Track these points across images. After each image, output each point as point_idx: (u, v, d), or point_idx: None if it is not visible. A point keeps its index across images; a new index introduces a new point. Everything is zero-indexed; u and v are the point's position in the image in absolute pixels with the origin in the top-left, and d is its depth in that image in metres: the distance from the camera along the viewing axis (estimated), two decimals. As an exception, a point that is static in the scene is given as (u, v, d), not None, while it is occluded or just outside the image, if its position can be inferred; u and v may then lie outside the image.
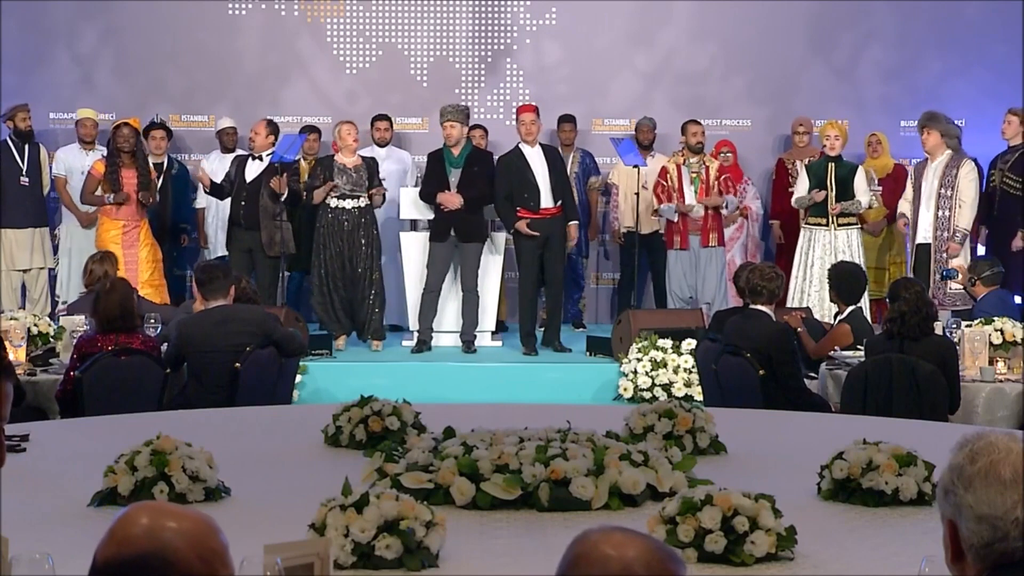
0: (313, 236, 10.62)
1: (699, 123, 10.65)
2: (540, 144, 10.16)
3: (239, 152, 10.93)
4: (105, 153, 10.39)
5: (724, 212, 10.47)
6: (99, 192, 10.15)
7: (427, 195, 10.03)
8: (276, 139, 10.16)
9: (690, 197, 10.36)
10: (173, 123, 11.56)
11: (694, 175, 10.39)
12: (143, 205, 10.18)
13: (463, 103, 11.17)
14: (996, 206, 10.18)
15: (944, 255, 9.82)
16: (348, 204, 10.01)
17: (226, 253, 10.29)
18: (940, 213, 9.86)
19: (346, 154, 10.11)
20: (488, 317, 10.32)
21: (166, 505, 2.01)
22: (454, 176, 9.95)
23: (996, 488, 1.94)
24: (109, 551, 1.89)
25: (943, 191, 9.87)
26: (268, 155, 10.07)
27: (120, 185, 10.07)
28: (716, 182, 10.39)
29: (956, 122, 10.79)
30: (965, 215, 9.82)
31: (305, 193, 10.10)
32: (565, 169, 10.45)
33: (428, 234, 10.15)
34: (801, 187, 10.33)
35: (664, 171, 10.48)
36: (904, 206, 10.23)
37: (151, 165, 10.69)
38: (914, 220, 10.10)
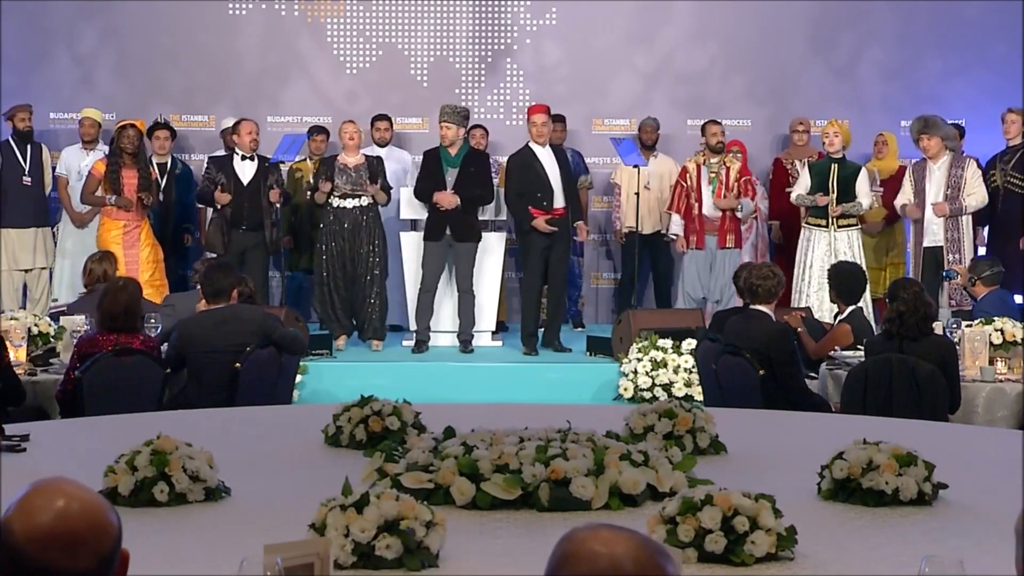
0: (314, 236, 10.68)
1: (718, 123, 10.70)
2: (551, 145, 10.18)
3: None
4: (106, 152, 10.39)
5: (739, 215, 10.50)
6: (99, 192, 10.15)
7: (423, 193, 10.03)
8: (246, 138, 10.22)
9: (707, 197, 10.42)
10: (173, 123, 11.56)
11: (712, 175, 10.44)
12: (144, 205, 10.19)
13: (463, 103, 11.18)
14: (1000, 205, 10.19)
15: (953, 257, 9.80)
16: (349, 203, 10.02)
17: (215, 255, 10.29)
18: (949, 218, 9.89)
19: (348, 153, 10.13)
20: (488, 317, 10.32)
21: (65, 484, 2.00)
22: (451, 176, 9.95)
23: None
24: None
25: (949, 192, 9.90)
26: (255, 154, 10.15)
27: (120, 186, 10.07)
28: (736, 183, 10.43)
29: (956, 121, 10.83)
30: (972, 204, 9.90)
31: (309, 193, 10.19)
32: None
33: (422, 233, 10.14)
34: (801, 185, 10.32)
35: (684, 171, 10.56)
36: (907, 204, 10.23)
37: (154, 166, 10.76)
38: (919, 222, 10.08)
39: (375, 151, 10.91)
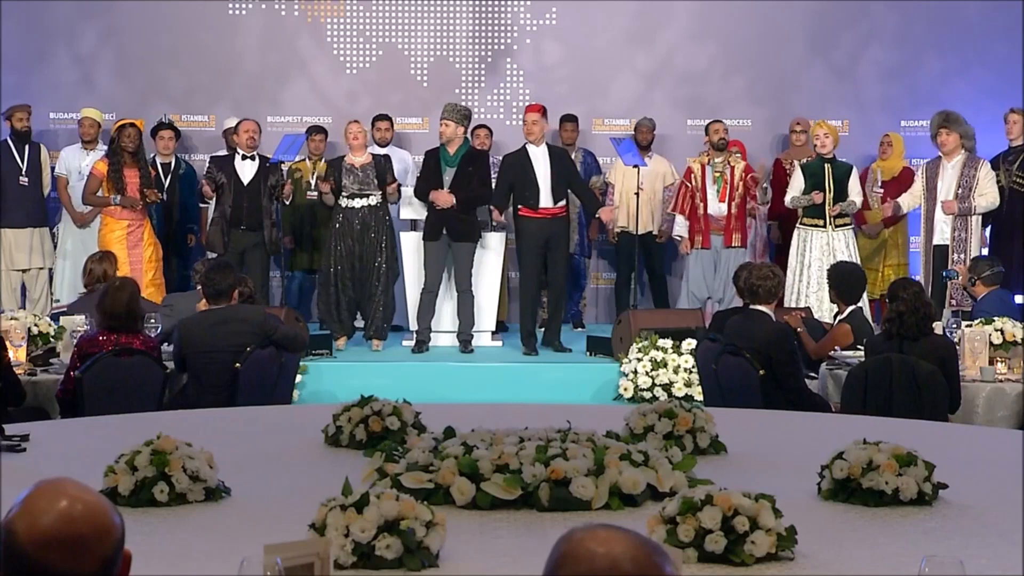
0: (317, 236, 10.70)
1: (721, 121, 10.71)
2: (548, 145, 10.17)
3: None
4: (105, 152, 10.38)
5: (760, 195, 10.54)
6: (101, 192, 10.15)
7: (421, 192, 10.04)
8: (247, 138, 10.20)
9: (713, 197, 10.44)
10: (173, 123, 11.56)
11: (717, 175, 10.46)
12: (147, 203, 10.21)
13: (463, 103, 11.18)
14: (1004, 206, 10.19)
15: (958, 256, 9.82)
16: (357, 203, 10.03)
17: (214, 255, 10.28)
18: (958, 217, 9.92)
19: (354, 153, 10.13)
20: (488, 317, 10.31)
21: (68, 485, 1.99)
22: (448, 175, 9.95)
23: None
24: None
25: (960, 191, 9.92)
26: (256, 154, 10.15)
27: (123, 185, 10.08)
28: (740, 182, 10.44)
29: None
30: (982, 204, 9.90)
31: (317, 193, 10.20)
32: (575, 169, 10.43)
33: (422, 233, 10.16)
34: (795, 186, 10.34)
35: (689, 171, 10.58)
36: (906, 199, 10.23)
37: (159, 165, 10.79)
38: (929, 220, 10.10)
39: (375, 151, 10.91)
